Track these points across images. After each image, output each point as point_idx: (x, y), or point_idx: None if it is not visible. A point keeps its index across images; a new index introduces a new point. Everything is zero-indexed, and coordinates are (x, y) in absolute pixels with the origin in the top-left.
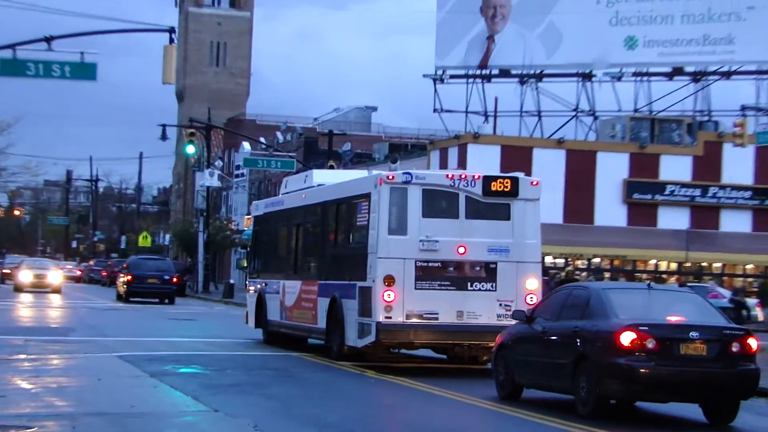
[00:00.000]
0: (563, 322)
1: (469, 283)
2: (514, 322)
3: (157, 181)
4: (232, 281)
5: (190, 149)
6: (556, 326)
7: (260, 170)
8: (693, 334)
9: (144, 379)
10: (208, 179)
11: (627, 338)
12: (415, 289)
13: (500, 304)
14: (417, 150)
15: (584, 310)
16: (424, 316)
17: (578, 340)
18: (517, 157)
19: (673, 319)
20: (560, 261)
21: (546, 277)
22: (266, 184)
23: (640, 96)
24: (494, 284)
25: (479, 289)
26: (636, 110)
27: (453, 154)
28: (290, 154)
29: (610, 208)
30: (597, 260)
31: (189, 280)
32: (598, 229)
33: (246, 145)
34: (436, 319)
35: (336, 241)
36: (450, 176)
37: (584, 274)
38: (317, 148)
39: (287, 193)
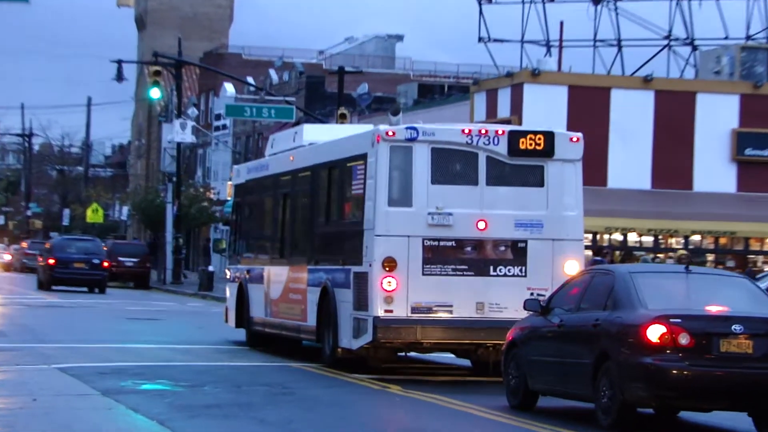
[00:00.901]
0: (583, 314)
1: (491, 267)
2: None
3: (110, 135)
4: (210, 268)
5: (155, 93)
6: (574, 318)
7: (248, 121)
8: (736, 327)
9: (94, 398)
10: (179, 133)
11: (655, 333)
12: (423, 274)
13: (531, 294)
14: (456, 93)
15: (607, 298)
16: (435, 308)
17: (599, 336)
18: (589, 100)
19: (713, 309)
20: (648, 239)
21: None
22: (256, 139)
23: (755, 18)
24: (524, 268)
25: (505, 275)
26: (749, 37)
27: (504, 97)
28: (288, 99)
29: (714, 169)
30: (696, 238)
31: (154, 266)
32: (698, 197)
33: (229, 88)
34: (450, 312)
35: (328, 216)
36: (467, 131)
37: (661, 256)
38: (324, 91)
39: (274, 154)
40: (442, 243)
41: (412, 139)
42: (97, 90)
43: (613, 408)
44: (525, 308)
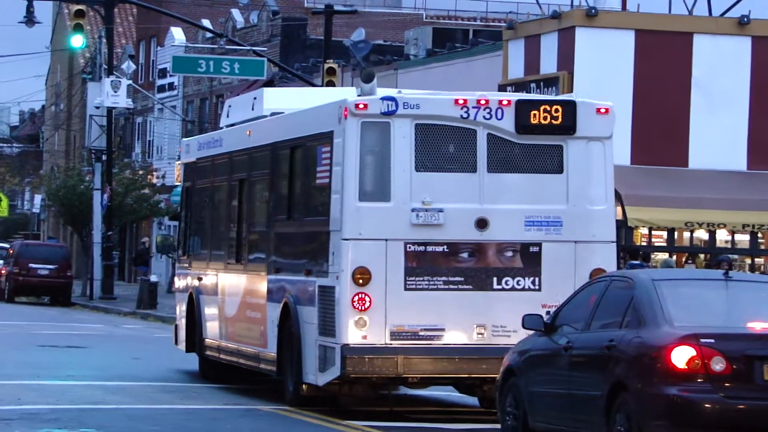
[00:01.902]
0: (595, 333)
1: (495, 280)
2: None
3: (17, 98)
4: (154, 278)
5: (77, 41)
6: (585, 339)
7: (203, 79)
8: None
9: None
10: (111, 95)
11: (682, 356)
12: (406, 289)
13: (548, 312)
14: (484, 40)
15: (625, 313)
16: (421, 333)
17: (614, 360)
18: (664, 51)
19: (757, 326)
20: (743, 238)
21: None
22: (214, 104)
23: None
24: (537, 279)
25: (513, 288)
26: None
27: (549, 46)
28: (257, 49)
29: None
30: None
31: (78, 275)
32: None
33: (177, 34)
34: (441, 337)
35: (290, 211)
36: (462, 102)
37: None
38: (306, 38)
39: (230, 125)
40: (430, 248)
41: (389, 113)
42: (0, 38)
43: None
44: (524, 326)
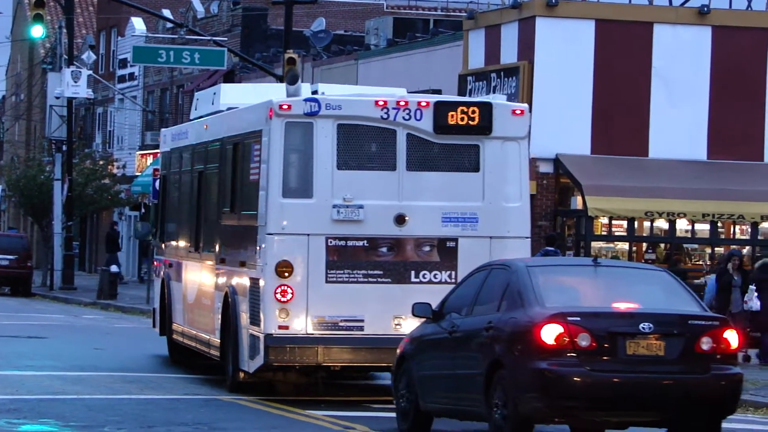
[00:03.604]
0: (476, 317)
1: (412, 273)
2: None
3: None
4: (114, 269)
5: (37, 31)
6: (467, 323)
7: (164, 70)
8: (645, 326)
9: None
10: (71, 85)
11: (551, 333)
12: (327, 282)
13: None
14: (445, 30)
15: (502, 297)
16: (341, 323)
17: (492, 341)
18: (624, 40)
19: (620, 306)
20: (703, 227)
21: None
22: (174, 94)
23: None
24: (453, 273)
25: (430, 281)
26: None
27: (509, 36)
28: (218, 39)
29: None
30: (767, 225)
31: (39, 266)
32: None
33: (138, 24)
34: (361, 328)
35: (233, 204)
36: (382, 103)
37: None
38: (266, 28)
39: (197, 118)
40: (350, 243)
41: (312, 114)
42: None
43: (507, 425)
44: (414, 314)
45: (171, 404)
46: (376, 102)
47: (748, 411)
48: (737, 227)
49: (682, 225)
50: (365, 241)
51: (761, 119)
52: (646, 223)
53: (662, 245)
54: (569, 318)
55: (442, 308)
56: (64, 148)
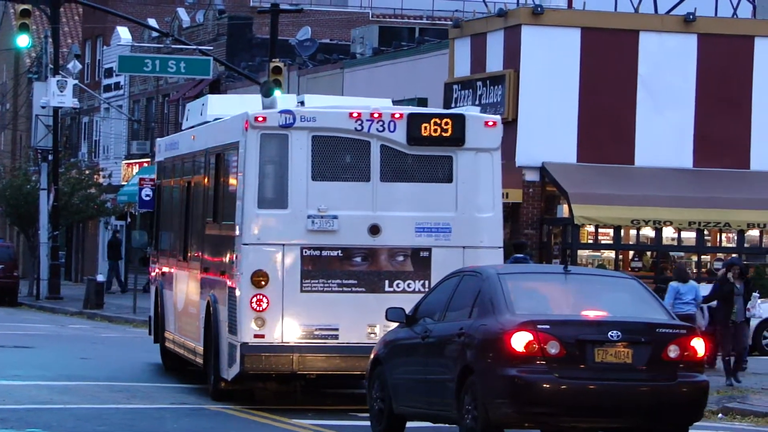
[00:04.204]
0: (448, 323)
1: (386, 282)
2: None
3: None
4: (100, 278)
5: (23, 41)
6: (439, 328)
7: (149, 79)
8: (613, 333)
9: None
10: (57, 95)
11: (521, 341)
12: (302, 291)
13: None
14: (431, 39)
15: (474, 303)
16: (316, 332)
17: (463, 347)
18: (610, 48)
19: (589, 314)
20: (689, 235)
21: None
22: (160, 103)
23: None
24: (427, 282)
25: (403, 291)
26: None
27: (495, 45)
28: (203, 48)
29: None
30: (754, 233)
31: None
32: (757, 179)
33: (123, 34)
34: (336, 337)
35: (215, 214)
36: (356, 115)
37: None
38: (252, 37)
39: (189, 128)
40: (325, 252)
41: (287, 126)
42: None
43: (478, 429)
44: (387, 318)
45: (158, 413)
46: (350, 114)
47: (735, 419)
48: (723, 235)
49: (668, 233)
50: (339, 251)
51: (747, 127)
52: (633, 231)
53: (648, 253)
54: (539, 326)
55: (415, 313)
56: (50, 157)
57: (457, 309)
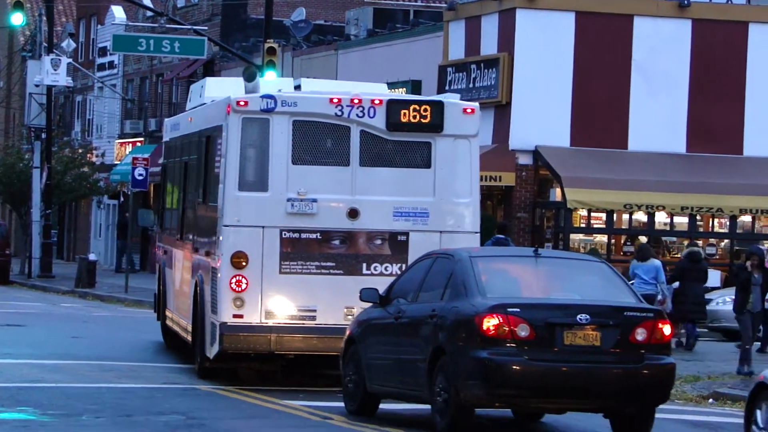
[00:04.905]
0: (421, 304)
1: (364, 265)
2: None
3: None
4: (92, 257)
5: (17, 19)
6: (412, 309)
7: (143, 58)
8: (582, 317)
9: None
10: (51, 73)
11: (491, 324)
12: (281, 272)
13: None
14: (425, 21)
15: (446, 285)
16: (294, 313)
17: (435, 328)
18: (605, 33)
19: (558, 297)
20: (681, 221)
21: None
22: (154, 83)
23: None
24: (404, 266)
25: (381, 274)
26: None
27: (490, 28)
28: (198, 28)
29: None
30: (747, 219)
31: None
32: (750, 164)
33: (118, 13)
34: (313, 318)
35: (204, 195)
36: (336, 101)
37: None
38: (246, 17)
39: (192, 109)
40: (304, 235)
41: (269, 110)
42: None
43: (449, 409)
44: (361, 299)
45: (149, 393)
46: (331, 99)
47: (726, 404)
48: (716, 220)
49: (660, 218)
50: (318, 234)
51: (741, 112)
52: (625, 216)
53: (641, 238)
54: (509, 309)
55: (389, 294)
56: (44, 136)
57: (430, 291)
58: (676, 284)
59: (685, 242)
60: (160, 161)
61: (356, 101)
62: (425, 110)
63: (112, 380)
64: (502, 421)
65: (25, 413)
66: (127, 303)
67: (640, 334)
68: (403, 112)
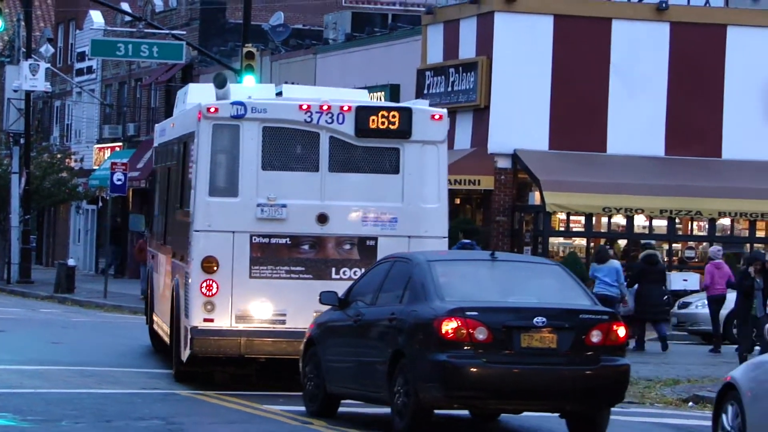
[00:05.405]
0: (380, 307)
1: (333, 270)
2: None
3: None
4: (71, 262)
5: None
6: (371, 312)
7: (122, 63)
8: (538, 320)
9: None
10: (29, 78)
11: (450, 327)
12: (251, 277)
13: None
14: (403, 25)
15: (405, 289)
16: (264, 317)
17: (395, 331)
18: (583, 35)
19: (515, 300)
20: (660, 224)
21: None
22: (133, 88)
23: None
24: None
25: (350, 278)
26: None
27: (468, 31)
28: (176, 32)
29: (749, 130)
30: (725, 221)
31: None
32: (729, 167)
33: (96, 18)
34: (283, 322)
35: (181, 200)
36: (305, 107)
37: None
38: (225, 21)
39: (176, 116)
40: (273, 240)
41: (239, 117)
42: None
43: (408, 410)
44: (321, 302)
45: (129, 398)
46: (300, 106)
47: (705, 408)
48: (695, 223)
49: (639, 221)
50: (288, 239)
51: (719, 115)
52: (604, 219)
53: (620, 241)
54: (467, 312)
55: (348, 297)
56: (22, 141)
57: (389, 294)
58: (635, 287)
59: (665, 245)
60: (153, 166)
61: (325, 108)
62: (393, 117)
63: (92, 386)
64: (459, 422)
65: (4, 419)
66: (107, 308)
67: (596, 336)
68: (371, 118)
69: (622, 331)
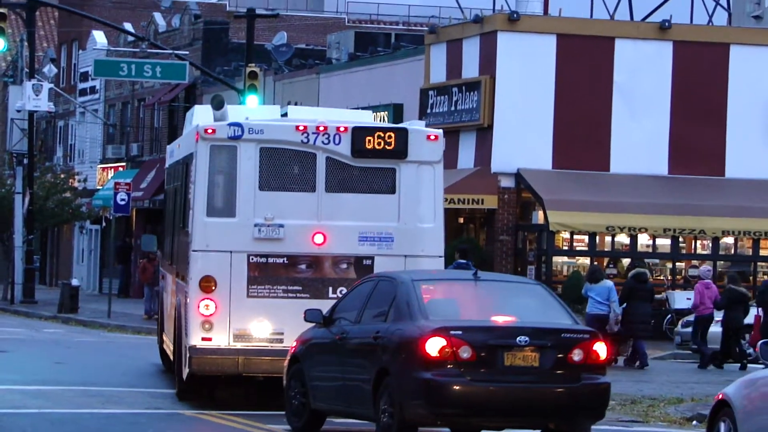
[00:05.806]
0: (365, 326)
1: (330, 289)
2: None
3: None
4: (75, 282)
5: None
6: (356, 330)
7: (125, 83)
8: (521, 339)
9: None
10: (32, 99)
11: (434, 346)
12: (248, 296)
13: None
14: (406, 44)
15: (389, 307)
16: (261, 336)
17: (380, 350)
18: (586, 55)
19: (499, 320)
20: (664, 242)
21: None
22: (136, 107)
23: None
24: None
25: None
26: None
27: (471, 50)
28: (179, 52)
29: (753, 148)
30: (729, 240)
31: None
32: (732, 186)
33: (99, 38)
34: (281, 341)
35: (184, 221)
36: (302, 128)
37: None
38: (228, 41)
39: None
40: (271, 260)
41: (236, 138)
42: None
43: (393, 428)
44: (305, 319)
45: (133, 418)
46: (297, 127)
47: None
48: (698, 242)
49: (643, 240)
50: (285, 259)
51: (722, 134)
52: (608, 238)
53: (623, 260)
54: (452, 331)
55: (332, 314)
56: (25, 161)
57: (373, 312)
58: (624, 305)
59: (668, 264)
60: (165, 186)
61: (321, 128)
62: (390, 137)
63: (96, 405)
64: None
65: None
66: (110, 328)
67: (577, 355)
68: (367, 138)
69: (603, 350)
